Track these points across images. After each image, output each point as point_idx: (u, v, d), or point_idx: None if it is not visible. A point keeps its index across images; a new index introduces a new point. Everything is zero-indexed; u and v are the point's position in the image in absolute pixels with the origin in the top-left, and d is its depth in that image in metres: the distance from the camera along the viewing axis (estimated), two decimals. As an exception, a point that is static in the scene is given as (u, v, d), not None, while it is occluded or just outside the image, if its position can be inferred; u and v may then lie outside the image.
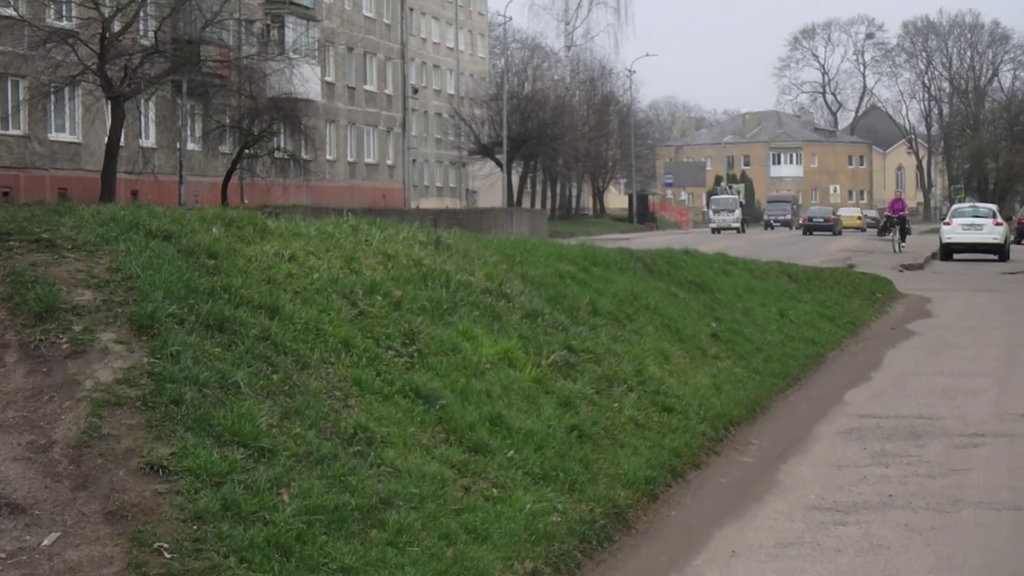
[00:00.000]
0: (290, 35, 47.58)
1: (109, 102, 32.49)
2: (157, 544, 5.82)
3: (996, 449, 10.91)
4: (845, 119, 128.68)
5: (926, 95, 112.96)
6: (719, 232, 66.32)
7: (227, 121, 41.23)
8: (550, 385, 9.88)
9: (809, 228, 66.41)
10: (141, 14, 33.43)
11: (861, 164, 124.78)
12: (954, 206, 46.24)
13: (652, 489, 8.79)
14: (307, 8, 51.20)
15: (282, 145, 41.83)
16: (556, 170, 78.41)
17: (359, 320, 9.17)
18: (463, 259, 12.22)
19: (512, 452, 8.18)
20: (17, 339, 7.24)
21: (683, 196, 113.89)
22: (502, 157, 66.20)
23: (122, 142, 33.99)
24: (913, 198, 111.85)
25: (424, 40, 73.20)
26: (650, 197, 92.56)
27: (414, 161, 67.73)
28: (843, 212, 78.02)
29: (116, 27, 31.27)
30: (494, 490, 7.58)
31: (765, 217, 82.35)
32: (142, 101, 37.21)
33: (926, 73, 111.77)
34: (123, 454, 6.41)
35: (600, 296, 13.45)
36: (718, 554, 7.92)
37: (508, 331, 10.52)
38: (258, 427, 6.92)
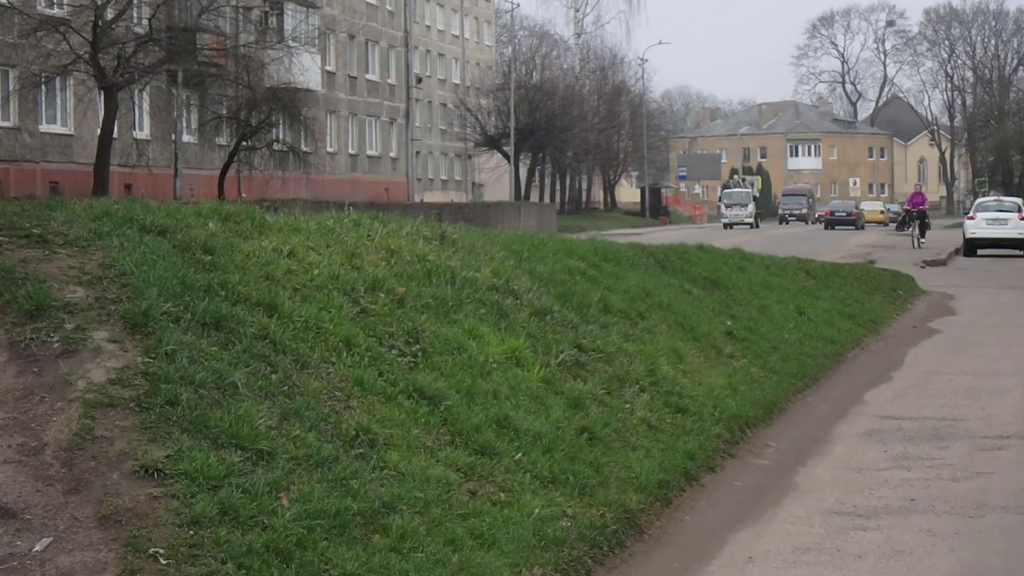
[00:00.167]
0: (289, 22, 47.20)
1: (102, 92, 32.34)
2: (152, 550, 5.77)
3: (1022, 451, 10.82)
4: (865, 109, 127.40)
5: (949, 85, 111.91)
6: (731, 227, 66.17)
7: (224, 112, 40.80)
8: (559, 385, 9.83)
9: (831, 222, 66.41)
10: (135, 1, 33.18)
11: (882, 156, 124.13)
12: (978, 200, 46.18)
13: (665, 493, 8.75)
14: (306, -6, 51.01)
15: (281, 137, 41.32)
16: (565, 162, 78.15)
17: (361, 318, 9.11)
18: (469, 255, 12.19)
19: (520, 455, 8.15)
20: (7, 338, 7.18)
21: (697, 189, 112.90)
22: (509, 149, 65.71)
23: (115, 134, 33.86)
24: (936, 191, 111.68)
25: (428, 27, 73.06)
26: (663, 190, 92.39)
27: (418, 153, 67.41)
28: (865, 206, 78.04)
29: (109, 14, 31.03)
30: (501, 494, 7.55)
31: (780, 211, 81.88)
32: (136, 91, 37.22)
33: (949, 62, 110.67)
34: (117, 457, 6.36)
35: (611, 293, 13.40)
36: (734, 560, 7.88)
37: (515, 329, 10.47)
38: (256, 429, 6.87)
